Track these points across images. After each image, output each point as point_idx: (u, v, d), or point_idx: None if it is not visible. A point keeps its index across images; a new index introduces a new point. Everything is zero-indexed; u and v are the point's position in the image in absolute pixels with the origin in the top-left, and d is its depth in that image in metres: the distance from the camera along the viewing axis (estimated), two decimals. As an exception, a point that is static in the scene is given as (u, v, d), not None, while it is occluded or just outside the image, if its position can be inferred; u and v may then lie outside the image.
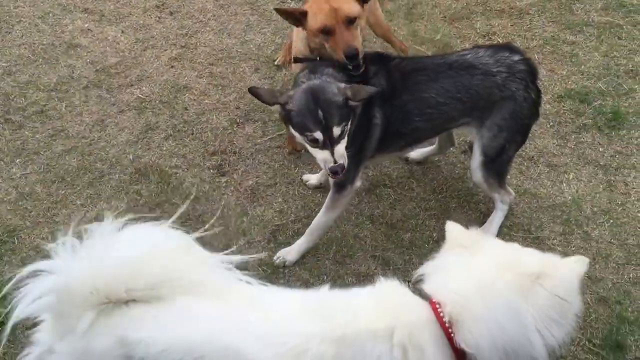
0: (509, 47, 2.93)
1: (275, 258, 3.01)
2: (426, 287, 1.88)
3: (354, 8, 2.84)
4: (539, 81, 2.95)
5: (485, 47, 2.92)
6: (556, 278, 1.79)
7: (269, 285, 1.98)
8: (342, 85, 2.60)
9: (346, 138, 2.62)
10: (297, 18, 2.89)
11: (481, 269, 1.83)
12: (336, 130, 2.54)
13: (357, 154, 2.84)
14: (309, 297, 1.93)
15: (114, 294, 1.79)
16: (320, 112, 2.52)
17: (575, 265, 1.84)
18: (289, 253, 3.01)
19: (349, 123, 2.63)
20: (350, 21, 2.82)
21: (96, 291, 1.77)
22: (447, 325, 1.77)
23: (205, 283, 1.87)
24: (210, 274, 1.91)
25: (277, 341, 1.77)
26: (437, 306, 1.79)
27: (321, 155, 2.60)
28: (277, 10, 2.95)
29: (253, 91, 2.62)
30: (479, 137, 2.91)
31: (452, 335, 1.77)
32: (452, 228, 2.01)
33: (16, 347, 2.62)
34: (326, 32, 2.81)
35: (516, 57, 2.84)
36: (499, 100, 2.81)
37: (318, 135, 2.55)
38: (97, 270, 1.80)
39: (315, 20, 2.82)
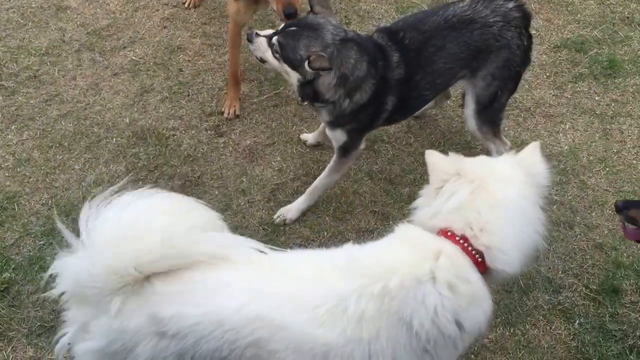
0: None
1: (275, 217, 3.04)
2: (446, 223, 1.87)
3: None
4: (531, 28, 2.93)
5: None
6: (540, 173, 1.94)
7: (287, 250, 2.00)
8: (319, 50, 2.57)
9: (275, 62, 2.69)
10: None
11: (491, 193, 1.86)
12: (275, 39, 2.65)
13: (362, 130, 2.89)
14: (334, 256, 1.91)
15: (140, 268, 1.77)
16: (291, 27, 2.64)
17: (537, 152, 1.98)
18: (289, 211, 3.04)
19: (293, 72, 2.66)
20: None
21: (122, 270, 1.75)
22: (475, 254, 1.83)
23: (228, 252, 1.85)
24: (232, 244, 1.89)
25: (310, 304, 1.75)
26: (462, 240, 1.83)
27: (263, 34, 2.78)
28: None
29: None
30: (472, 87, 2.92)
31: (479, 260, 1.83)
32: (433, 157, 1.97)
33: (22, 312, 2.68)
34: None
35: (510, 4, 2.83)
36: (495, 49, 2.81)
37: (270, 33, 2.73)
38: (117, 249, 1.77)
39: None
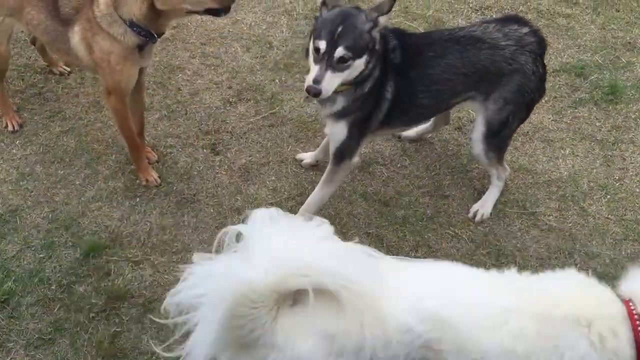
0: (516, 19, 2.92)
1: None
2: (624, 287, 1.95)
3: None
4: (545, 55, 2.93)
5: (494, 21, 2.92)
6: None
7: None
8: (369, 11, 2.63)
9: (342, 75, 2.61)
10: None
11: None
12: (339, 51, 2.56)
13: (361, 124, 2.85)
14: (497, 276, 1.97)
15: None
16: (339, 29, 2.56)
17: None
18: None
19: (361, 61, 2.62)
20: None
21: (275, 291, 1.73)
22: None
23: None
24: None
25: (475, 307, 1.82)
26: (632, 307, 1.86)
27: (312, 70, 2.62)
28: None
29: None
30: (483, 110, 2.90)
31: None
32: None
33: (21, 323, 2.70)
34: None
35: (525, 30, 2.83)
36: (507, 73, 2.79)
37: (322, 44, 2.56)
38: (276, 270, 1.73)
39: None
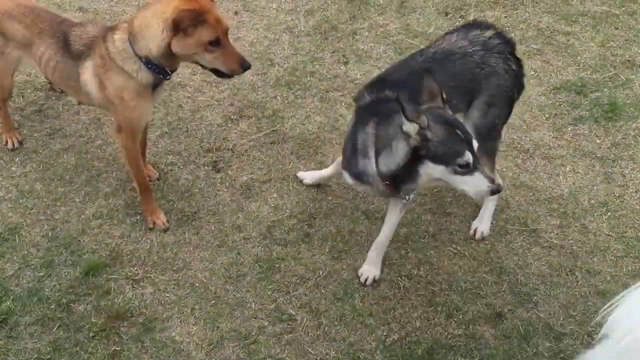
0: (478, 25, 2.90)
1: (361, 278, 2.97)
2: None
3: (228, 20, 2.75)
4: (516, 51, 2.90)
5: (456, 31, 2.90)
6: None
7: None
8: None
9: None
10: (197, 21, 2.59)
11: None
12: (475, 144, 2.40)
13: None
14: None
15: None
16: (458, 132, 2.38)
17: None
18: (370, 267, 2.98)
19: None
20: (227, 33, 2.72)
21: None
22: None
23: None
24: None
25: None
26: None
27: (474, 181, 2.38)
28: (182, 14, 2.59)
29: (399, 101, 2.38)
30: (469, 120, 2.88)
31: None
32: None
33: (19, 343, 2.68)
34: (215, 43, 2.65)
35: (488, 33, 2.84)
36: (483, 77, 2.80)
37: (468, 156, 2.34)
38: None
39: (207, 30, 2.61)
